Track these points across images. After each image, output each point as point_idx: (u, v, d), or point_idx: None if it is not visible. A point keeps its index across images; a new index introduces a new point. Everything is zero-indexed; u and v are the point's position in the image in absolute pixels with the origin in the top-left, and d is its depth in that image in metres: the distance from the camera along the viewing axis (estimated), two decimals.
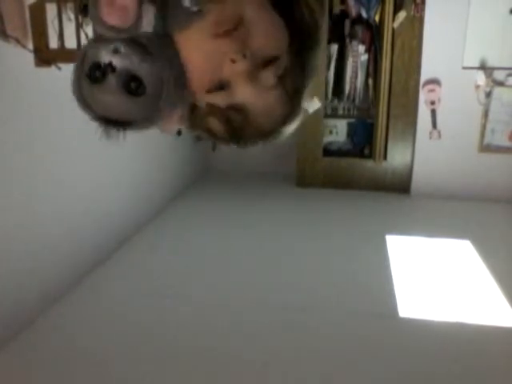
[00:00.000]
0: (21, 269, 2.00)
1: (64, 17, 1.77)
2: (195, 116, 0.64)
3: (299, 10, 0.61)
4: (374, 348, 2.02)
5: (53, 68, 1.74)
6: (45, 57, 1.70)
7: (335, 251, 2.92)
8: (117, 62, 0.56)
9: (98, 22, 0.53)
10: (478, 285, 2.54)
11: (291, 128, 0.65)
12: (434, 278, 2.60)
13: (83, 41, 1.70)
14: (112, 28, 0.53)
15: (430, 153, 3.82)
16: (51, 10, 1.74)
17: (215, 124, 0.62)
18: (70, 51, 1.71)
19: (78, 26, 1.70)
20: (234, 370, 1.87)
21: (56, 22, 1.71)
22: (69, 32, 1.71)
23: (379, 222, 3.41)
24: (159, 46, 0.57)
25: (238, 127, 0.61)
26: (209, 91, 0.59)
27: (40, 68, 1.76)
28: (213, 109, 0.61)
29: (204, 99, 0.60)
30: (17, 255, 1.99)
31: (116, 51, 0.56)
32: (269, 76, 0.58)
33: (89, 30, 1.78)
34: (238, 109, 0.60)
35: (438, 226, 3.28)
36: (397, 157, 3.93)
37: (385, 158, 3.92)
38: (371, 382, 1.84)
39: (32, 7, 1.68)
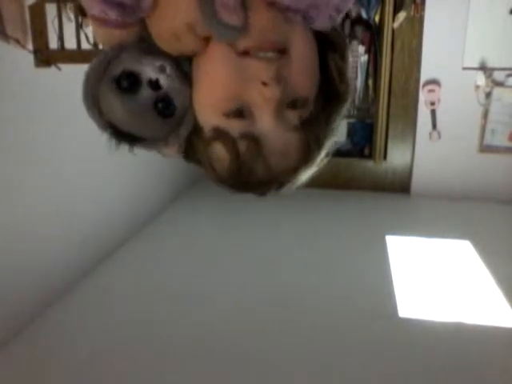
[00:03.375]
0: (21, 269, 2.00)
1: (64, 17, 1.77)
2: (198, 141, 0.58)
3: (332, 70, 0.59)
4: (374, 348, 2.02)
5: (53, 68, 1.74)
6: (45, 57, 1.70)
7: (335, 251, 2.92)
8: (164, 81, 0.55)
9: (217, 21, 0.50)
10: (478, 285, 2.53)
11: (302, 178, 0.60)
12: (433, 279, 2.60)
13: (83, 41, 1.71)
14: (230, 27, 0.51)
15: (429, 153, 3.83)
16: (51, 10, 1.74)
17: (221, 152, 0.55)
18: (70, 52, 1.71)
19: (78, 27, 1.70)
20: (234, 369, 1.87)
21: (56, 23, 1.72)
22: (69, 32, 1.72)
23: (379, 222, 3.40)
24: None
25: (248, 161, 0.54)
26: (226, 115, 0.54)
27: (40, 68, 1.76)
28: (222, 134, 0.55)
29: (217, 122, 0.55)
30: (17, 255, 1.99)
31: (162, 70, 0.55)
32: (294, 116, 0.54)
33: (88, 30, 1.79)
34: (252, 140, 0.54)
35: (437, 227, 3.27)
36: (397, 157, 3.93)
37: (385, 158, 3.92)
38: (371, 381, 1.84)
39: (32, 7, 1.68)
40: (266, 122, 0.53)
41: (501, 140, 3.67)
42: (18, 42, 1.66)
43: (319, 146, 0.57)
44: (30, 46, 1.72)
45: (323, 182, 4.06)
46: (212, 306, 2.28)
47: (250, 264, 2.75)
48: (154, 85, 0.55)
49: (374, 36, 3.75)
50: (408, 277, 2.61)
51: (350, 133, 4.26)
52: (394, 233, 3.15)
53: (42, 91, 2.09)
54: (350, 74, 0.61)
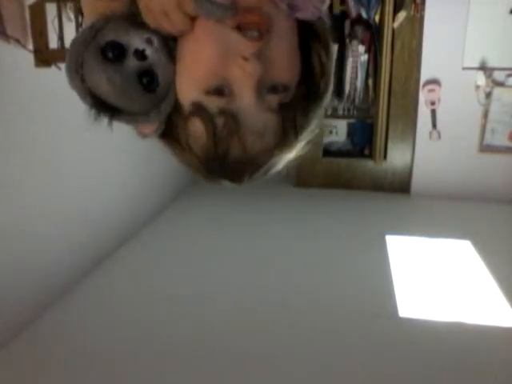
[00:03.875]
0: (21, 269, 2.00)
1: (64, 17, 1.77)
2: (177, 118, 0.59)
3: (314, 62, 0.60)
4: (374, 348, 2.02)
5: (53, 68, 1.74)
6: (45, 57, 1.70)
7: (335, 251, 2.92)
8: (150, 53, 0.55)
9: None
10: (478, 285, 2.54)
11: (278, 163, 0.60)
12: (434, 278, 2.60)
13: None
14: (218, 5, 0.51)
15: (429, 153, 3.83)
16: (51, 10, 1.74)
17: (199, 128, 0.56)
18: None
19: (78, 27, 1.70)
20: (234, 370, 1.87)
21: (56, 22, 1.72)
22: (69, 32, 1.72)
23: (379, 222, 3.40)
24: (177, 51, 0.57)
25: (225, 138, 0.55)
26: (207, 92, 0.55)
27: (40, 68, 1.76)
28: (200, 110, 0.56)
29: (197, 98, 0.56)
30: (17, 255, 1.99)
31: (149, 42, 0.55)
32: (274, 99, 0.56)
33: None
34: (231, 116, 0.55)
35: (437, 226, 3.28)
36: (397, 157, 3.93)
37: (385, 158, 3.92)
38: (371, 381, 1.84)
39: (32, 7, 1.69)
40: (245, 99, 0.54)
41: (501, 140, 3.67)
42: (18, 41, 1.66)
43: (296, 132, 0.58)
44: (30, 46, 1.72)
45: (323, 182, 4.07)
46: (212, 306, 2.28)
47: (250, 264, 2.75)
48: (140, 55, 0.55)
49: (373, 36, 3.75)
50: (408, 277, 2.61)
51: (350, 133, 4.26)
52: (394, 233, 3.15)
53: (41, 91, 2.08)
54: (332, 67, 0.61)
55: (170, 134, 0.61)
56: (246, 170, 0.59)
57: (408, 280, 2.57)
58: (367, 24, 3.75)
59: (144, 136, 0.62)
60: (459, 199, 3.71)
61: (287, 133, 0.57)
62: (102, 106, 0.57)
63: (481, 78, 3.55)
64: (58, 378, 1.82)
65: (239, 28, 0.52)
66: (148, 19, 0.54)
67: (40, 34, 1.70)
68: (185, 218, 3.48)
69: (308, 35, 0.59)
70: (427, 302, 2.38)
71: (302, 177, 4.09)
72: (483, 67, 3.55)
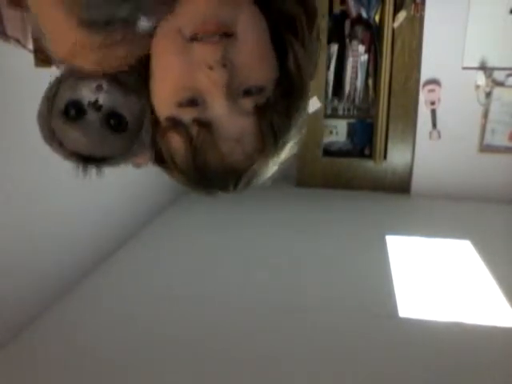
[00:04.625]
0: (21, 269, 2.00)
1: None
2: (158, 136, 0.58)
3: (289, 60, 0.56)
4: (374, 348, 2.02)
5: (53, 68, 1.74)
6: (45, 57, 1.70)
7: (335, 251, 2.92)
8: (103, 99, 0.56)
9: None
10: (478, 285, 2.53)
11: (260, 171, 0.58)
12: (434, 278, 2.60)
13: None
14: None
15: (430, 153, 3.83)
16: None
17: (176, 141, 0.55)
18: None
19: None
20: (234, 370, 1.86)
21: None
22: None
23: (379, 222, 3.40)
24: (137, 80, 0.57)
25: (201, 147, 0.54)
26: (179, 104, 0.54)
27: (40, 68, 1.75)
28: (175, 123, 0.55)
29: (172, 113, 0.55)
30: (17, 255, 1.99)
31: (99, 89, 0.56)
32: (249, 102, 0.53)
33: None
34: (204, 125, 0.53)
35: (437, 226, 3.28)
36: (397, 157, 3.93)
37: (385, 158, 3.93)
38: (371, 381, 1.84)
39: None
40: (217, 107, 0.53)
41: (501, 140, 3.67)
42: (18, 41, 1.66)
43: (274, 134, 0.55)
44: (30, 46, 1.71)
45: (323, 182, 4.07)
46: (212, 307, 2.28)
47: (250, 264, 2.75)
48: (95, 105, 0.56)
49: (374, 36, 3.75)
50: (408, 277, 2.61)
51: (350, 133, 4.26)
52: (394, 233, 3.15)
53: (41, 91, 2.08)
54: (309, 63, 0.57)
55: (159, 155, 0.60)
56: (229, 179, 0.57)
57: (408, 280, 2.57)
58: (367, 24, 3.75)
59: (139, 166, 0.63)
60: (459, 199, 3.71)
61: (266, 136, 0.55)
62: (88, 160, 0.59)
63: (481, 78, 3.55)
64: (58, 378, 1.82)
65: (197, 39, 0.50)
66: (75, 63, 0.55)
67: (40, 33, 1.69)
68: (185, 218, 3.48)
69: (285, 29, 0.56)
70: (427, 301, 2.37)
71: (302, 177, 4.09)
72: (483, 67, 3.56)
